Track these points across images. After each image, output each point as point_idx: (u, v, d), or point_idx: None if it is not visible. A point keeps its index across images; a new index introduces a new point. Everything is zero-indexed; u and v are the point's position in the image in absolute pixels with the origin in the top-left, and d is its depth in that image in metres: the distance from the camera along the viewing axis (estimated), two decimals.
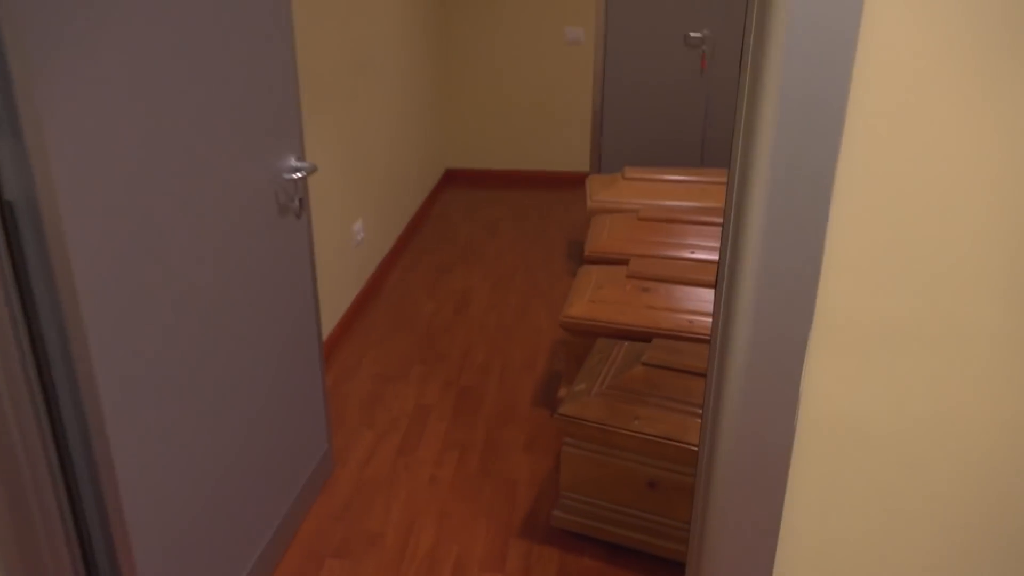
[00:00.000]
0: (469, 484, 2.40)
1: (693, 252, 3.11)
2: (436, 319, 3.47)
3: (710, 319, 2.55)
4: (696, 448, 1.91)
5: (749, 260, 0.92)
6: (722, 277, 1.02)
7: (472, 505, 2.31)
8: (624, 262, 3.10)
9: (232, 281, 1.75)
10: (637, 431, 1.97)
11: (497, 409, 2.78)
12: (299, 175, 1.99)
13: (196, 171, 1.57)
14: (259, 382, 1.91)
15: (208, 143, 1.61)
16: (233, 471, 1.81)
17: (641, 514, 2.06)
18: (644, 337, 2.51)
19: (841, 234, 0.89)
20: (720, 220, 3.24)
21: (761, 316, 0.93)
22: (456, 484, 2.40)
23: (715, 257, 3.05)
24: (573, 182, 5.46)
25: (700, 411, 1.99)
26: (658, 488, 2.01)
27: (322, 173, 3.03)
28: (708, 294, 2.62)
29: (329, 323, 3.18)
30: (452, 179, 5.57)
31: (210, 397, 1.69)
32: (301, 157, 2.08)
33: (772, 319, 0.93)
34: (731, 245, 0.97)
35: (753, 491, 1.02)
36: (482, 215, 4.83)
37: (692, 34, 5.03)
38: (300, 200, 2.07)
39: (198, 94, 1.55)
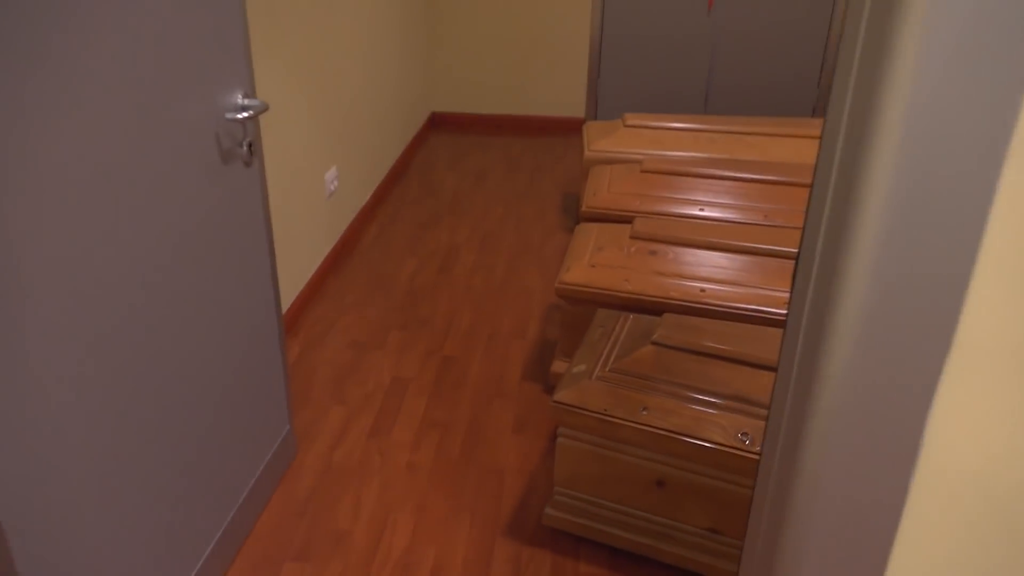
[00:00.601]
0: (450, 472, 2.12)
1: (702, 209, 2.79)
2: (417, 279, 3.15)
3: (723, 287, 2.26)
4: (714, 446, 1.63)
5: (862, 249, 0.61)
6: (808, 265, 0.71)
7: (453, 498, 2.03)
8: (626, 220, 2.78)
9: (164, 239, 1.43)
10: (645, 424, 1.68)
11: (483, 383, 2.49)
12: (247, 115, 1.65)
13: (114, 107, 1.23)
14: (203, 355, 1.61)
15: (129, 72, 1.27)
16: (173, 459, 1.52)
17: (647, 515, 1.79)
18: (650, 308, 2.22)
19: (1012, 217, 0.58)
20: (732, 174, 2.91)
21: (875, 328, 0.63)
22: (436, 472, 2.12)
23: (727, 216, 2.74)
24: (568, 129, 5.10)
25: (718, 401, 1.70)
26: (667, 487, 1.73)
27: (285, 114, 2.68)
28: (721, 259, 2.31)
29: (297, 284, 2.86)
30: (438, 123, 5.20)
31: (141, 373, 1.38)
32: (250, 93, 1.73)
33: (891, 332, 0.63)
34: (829, 224, 0.66)
35: (839, 571, 0.73)
36: (470, 163, 4.48)
37: None
38: (249, 145, 1.74)
39: (116, 13, 1.21)
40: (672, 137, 3.48)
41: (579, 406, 1.74)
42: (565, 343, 2.41)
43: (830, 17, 4.74)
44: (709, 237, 2.37)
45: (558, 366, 2.43)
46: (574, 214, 3.78)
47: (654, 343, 1.81)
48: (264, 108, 1.69)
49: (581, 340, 2.35)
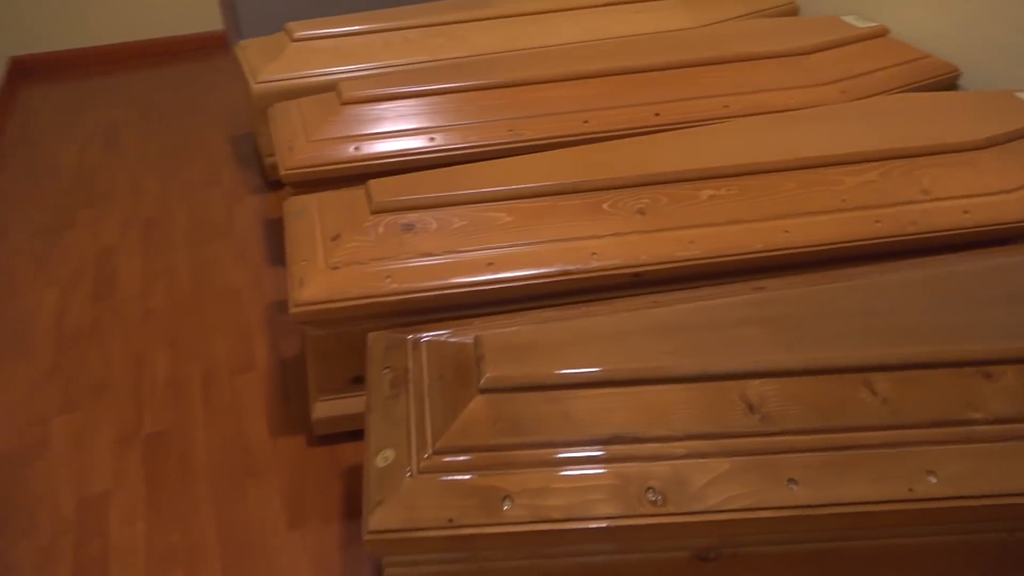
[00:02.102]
0: None
1: (433, 139, 2.19)
2: (67, 320, 2.20)
3: (512, 249, 1.71)
4: (614, 522, 1.13)
5: None
6: None
7: None
8: (346, 179, 2.10)
9: None
10: (514, 522, 1.13)
11: (220, 461, 1.75)
12: None
13: None
14: None
15: None
16: None
17: None
18: (432, 308, 1.62)
19: None
20: (452, 84, 2.31)
21: None
22: None
23: (469, 143, 2.17)
24: (208, 47, 4.06)
25: (598, 453, 1.19)
26: None
27: None
28: (497, 211, 1.75)
29: None
30: (28, 72, 3.86)
31: None
32: None
33: None
34: None
35: None
36: (91, 121, 3.35)
37: None
38: None
39: None
40: (358, 46, 2.76)
41: (409, 528, 1.13)
42: (321, 377, 1.74)
43: None
44: (472, 186, 1.78)
45: (322, 409, 1.76)
46: (257, 166, 2.95)
47: (484, 391, 1.23)
48: None
49: (343, 370, 1.71)
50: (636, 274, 1.67)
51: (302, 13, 4.12)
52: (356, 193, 1.83)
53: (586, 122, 2.25)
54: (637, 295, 1.58)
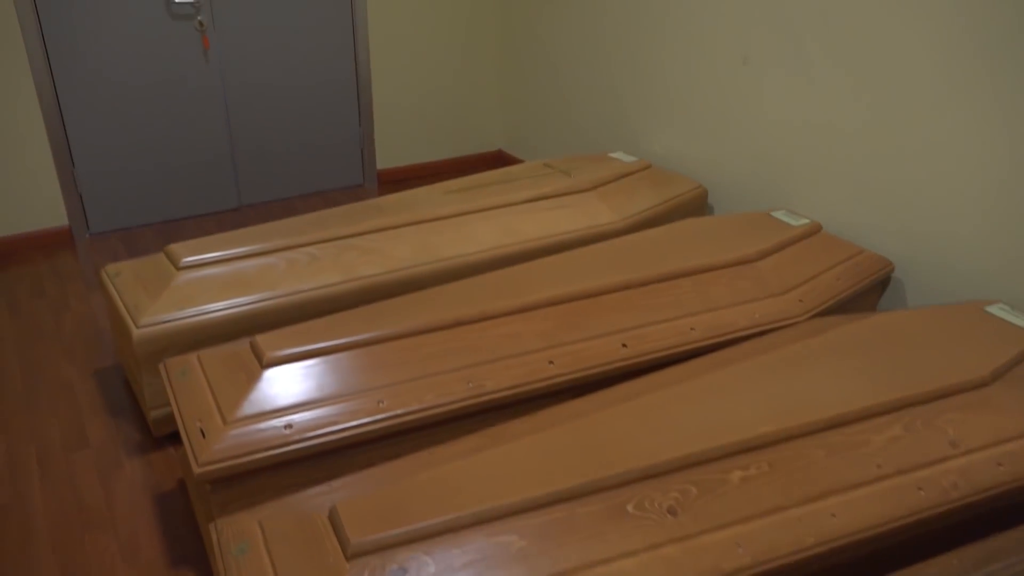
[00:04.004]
0: None
1: (382, 402, 1.83)
2: None
3: None
4: None
5: None
6: None
7: None
8: (280, 464, 1.69)
9: None
10: None
11: None
12: None
13: None
14: None
15: None
16: None
17: None
18: None
19: None
20: (389, 331, 1.99)
21: None
22: None
23: (430, 405, 1.83)
24: (49, 247, 3.50)
25: None
26: None
27: None
28: (503, 538, 1.40)
29: None
30: None
31: None
32: None
33: None
34: None
35: None
36: None
37: None
38: None
39: None
40: (258, 271, 2.38)
41: None
42: None
43: (353, 48, 3.98)
44: (470, 502, 1.43)
45: None
46: (133, 412, 2.43)
47: None
48: None
49: None
50: None
51: (155, 205, 3.67)
52: (315, 521, 1.43)
53: (551, 363, 1.99)
54: None
